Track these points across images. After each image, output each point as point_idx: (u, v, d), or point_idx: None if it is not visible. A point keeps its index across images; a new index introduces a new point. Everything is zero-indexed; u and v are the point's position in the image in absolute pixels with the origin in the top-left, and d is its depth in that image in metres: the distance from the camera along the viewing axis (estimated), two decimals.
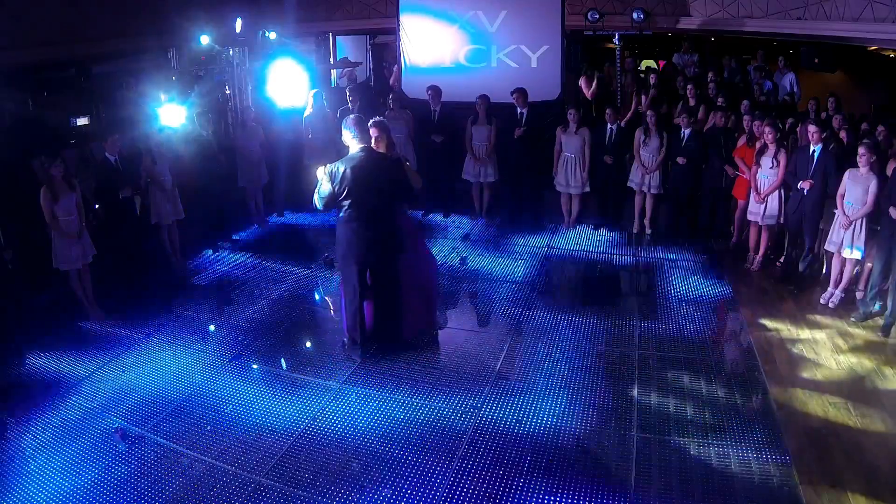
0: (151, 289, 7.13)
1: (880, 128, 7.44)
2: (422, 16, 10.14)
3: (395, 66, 10.91)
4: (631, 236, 8.63)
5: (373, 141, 5.41)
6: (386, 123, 5.60)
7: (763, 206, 7.33)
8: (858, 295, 6.56)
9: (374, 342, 5.76)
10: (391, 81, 11.35)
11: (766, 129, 7.17)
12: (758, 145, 7.37)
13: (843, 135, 7.52)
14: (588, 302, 6.89)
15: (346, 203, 5.27)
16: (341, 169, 5.21)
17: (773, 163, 7.17)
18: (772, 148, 7.17)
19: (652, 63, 13.44)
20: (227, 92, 10.43)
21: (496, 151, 8.93)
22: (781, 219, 7.29)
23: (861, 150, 6.22)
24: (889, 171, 6.26)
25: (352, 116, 5.45)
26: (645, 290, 7.14)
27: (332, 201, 5.28)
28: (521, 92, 8.79)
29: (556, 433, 4.66)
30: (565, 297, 6.90)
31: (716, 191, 8.18)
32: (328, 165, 5.29)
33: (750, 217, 7.56)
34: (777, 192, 7.24)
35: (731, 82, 10.24)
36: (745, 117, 7.92)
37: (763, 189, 7.29)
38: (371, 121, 5.49)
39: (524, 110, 8.83)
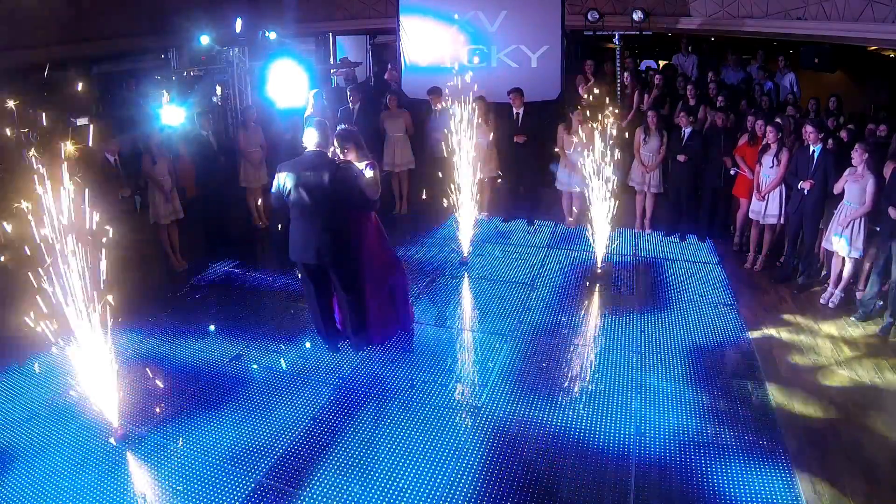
0: (151, 288, 7.14)
1: (882, 127, 7.44)
2: (422, 17, 10.14)
3: (391, 64, 10.92)
4: (631, 235, 8.65)
5: (338, 150, 5.42)
6: (350, 134, 5.49)
7: (764, 205, 7.34)
8: (858, 295, 6.56)
9: (344, 343, 5.79)
10: (386, 76, 11.34)
11: (769, 129, 7.19)
12: (761, 144, 7.39)
13: (843, 134, 7.52)
14: (587, 301, 6.90)
15: (290, 202, 5.31)
16: (288, 169, 5.28)
17: (773, 161, 7.18)
18: (773, 147, 7.18)
19: (651, 63, 13.43)
20: (227, 92, 10.43)
21: (495, 148, 8.92)
22: (782, 218, 7.30)
23: (856, 149, 6.23)
24: (887, 172, 6.26)
25: (316, 119, 5.52)
26: (644, 289, 7.15)
27: (279, 200, 5.35)
28: (517, 92, 8.79)
29: (555, 433, 4.66)
30: (564, 297, 6.90)
31: (716, 190, 8.19)
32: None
33: (751, 216, 7.58)
34: (778, 191, 7.25)
35: (731, 84, 10.23)
36: (749, 118, 7.91)
37: (760, 187, 7.32)
38: (338, 131, 5.51)
39: (520, 111, 8.83)
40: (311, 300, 5.69)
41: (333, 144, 5.44)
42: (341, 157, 5.42)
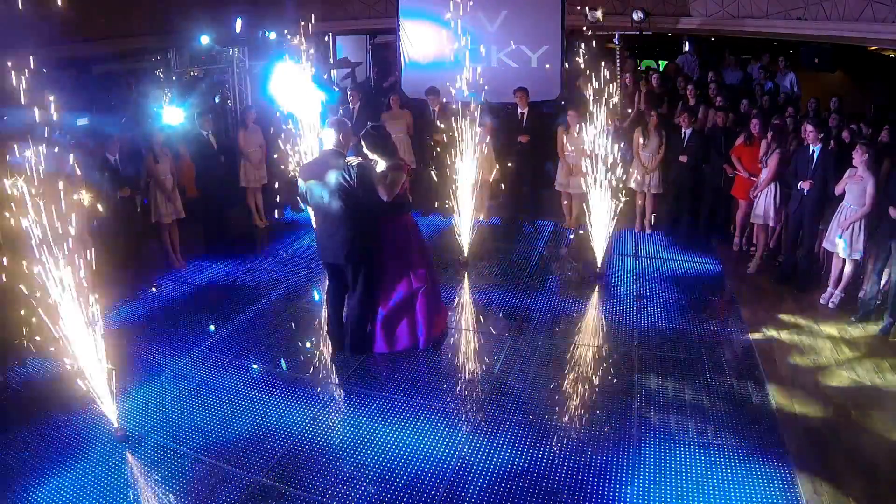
0: (152, 288, 7.15)
1: (885, 128, 7.43)
2: (422, 21, 10.17)
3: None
4: (631, 236, 8.66)
5: (365, 150, 5.46)
6: (372, 134, 5.46)
7: (755, 205, 7.38)
8: (861, 294, 6.55)
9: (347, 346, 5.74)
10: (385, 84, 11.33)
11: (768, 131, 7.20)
12: (758, 144, 7.40)
13: (844, 134, 7.52)
14: (587, 302, 6.90)
15: (311, 203, 5.43)
16: (305, 171, 5.38)
17: (763, 163, 7.22)
18: (763, 148, 7.20)
19: (651, 63, 13.43)
20: (227, 92, 10.43)
21: (493, 150, 8.92)
22: (772, 220, 7.30)
23: (856, 150, 6.23)
24: (884, 173, 6.26)
25: (334, 118, 5.56)
26: (645, 289, 7.15)
27: (304, 199, 5.48)
28: (523, 91, 8.77)
29: (555, 433, 4.66)
30: (564, 297, 6.90)
31: (716, 191, 8.19)
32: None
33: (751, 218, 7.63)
34: (769, 191, 7.25)
35: (732, 84, 10.24)
36: (755, 122, 7.87)
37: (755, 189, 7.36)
38: (364, 130, 5.52)
39: (524, 110, 8.82)
40: (328, 297, 5.79)
41: (360, 144, 5.49)
42: (369, 157, 5.45)
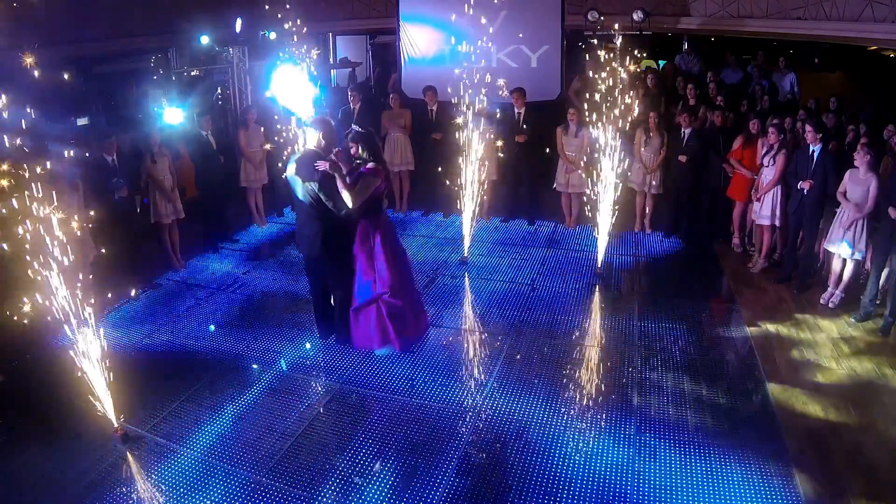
0: (151, 288, 7.15)
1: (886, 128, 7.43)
2: (421, 21, 10.18)
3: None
4: (631, 236, 8.66)
5: (352, 149, 5.49)
6: (358, 135, 5.45)
7: (759, 206, 7.37)
8: (861, 294, 6.54)
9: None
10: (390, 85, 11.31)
11: (770, 129, 7.18)
12: (760, 145, 7.39)
13: (850, 136, 7.51)
14: (587, 301, 6.89)
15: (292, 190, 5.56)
16: (289, 162, 5.48)
17: (770, 161, 7.21)
18: (774, 147, 7.19)
19: (651, 63, 13.40)
20: (228, 92, 10.43)
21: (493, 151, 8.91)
22: (778, 220, 7.29)
23: (858, 151, 6.23)
24: (883, 171, 6.26)
25: (317, 116, 5.64)
26: (645, 289, 7.15)
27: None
28: (519, 92, 8.76)
29: (554, 433, 4.66)
30: (564, 297, 6.90)
31: (716, 191, 8.18)
32: None
33: (752, 216, 7.60)
34: (775, 192, 7.24)
35: (731, 83, 10.23)
36: (754, 121, 7.86)
37: (760, 188, 7.33)
38: (350, 130, 5.54)
39: (521, 110, 8.81)
40: (310, 286, 5.98)
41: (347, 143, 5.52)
42: (354, 153, 5.48)
